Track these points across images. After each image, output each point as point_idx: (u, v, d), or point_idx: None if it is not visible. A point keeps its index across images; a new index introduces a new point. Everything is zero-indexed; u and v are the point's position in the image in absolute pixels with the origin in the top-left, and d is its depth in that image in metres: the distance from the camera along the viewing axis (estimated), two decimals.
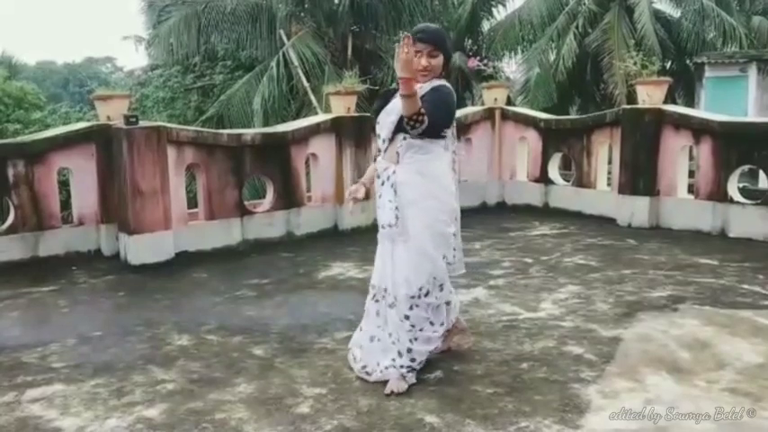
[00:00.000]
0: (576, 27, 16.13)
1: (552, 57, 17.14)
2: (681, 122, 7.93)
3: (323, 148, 8.05)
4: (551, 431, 3.22)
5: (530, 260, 6.65)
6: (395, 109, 3.61)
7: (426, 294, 3.69)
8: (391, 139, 3.69)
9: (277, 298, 5.58)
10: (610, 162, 8.83)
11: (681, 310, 5.00)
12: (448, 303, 3.90)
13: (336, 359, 4.16)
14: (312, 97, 14.15)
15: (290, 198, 7.80)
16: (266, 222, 7.60)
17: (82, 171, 6.98)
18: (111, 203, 6.95)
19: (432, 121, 3.45)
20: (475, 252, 7.02)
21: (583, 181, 8.89)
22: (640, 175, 8.07)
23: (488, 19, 19.21)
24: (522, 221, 8.63)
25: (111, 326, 4.96)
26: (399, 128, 3.60)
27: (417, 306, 3.68)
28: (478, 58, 13.55)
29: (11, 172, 6.55)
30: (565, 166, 10.52)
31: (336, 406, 3.52)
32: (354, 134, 8.18)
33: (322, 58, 15.10)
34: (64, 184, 7.27)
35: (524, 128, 9.57)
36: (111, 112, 6.96)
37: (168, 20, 15.81)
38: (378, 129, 3.79)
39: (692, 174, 8.19)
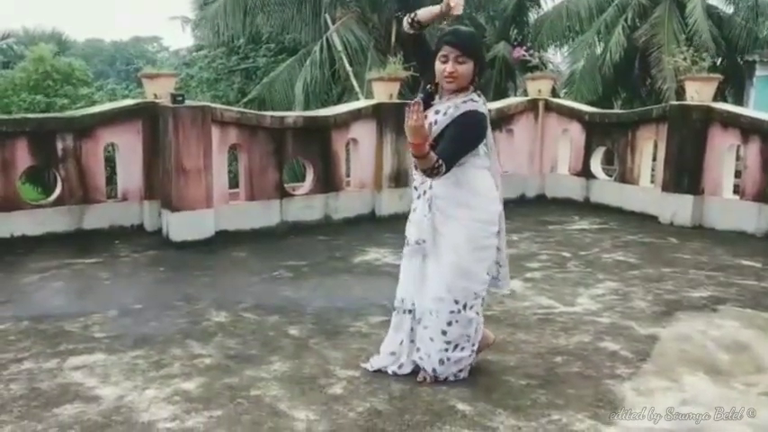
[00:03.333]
0: (625, 20, 15.81)
1: (599, 50, 16.85)
2: (729, 121, 7.75)
3: (364, 133, 8.07)
4: (584, 425, 3.21)
5: (568, 254, 6.59)
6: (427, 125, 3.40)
7: (465, 308, 3.52)
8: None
9: (313, 280, 5.63)
10: (654, 159, 8.68)
11: (721, 312, 4.92)
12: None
13: (370, 343, 4.18)
14: (354, 82, 14.17)
15: (329, 182, 7.84)
16: (305, 205, 7.66)
17: (128, 147, 7.11)
18: (155, 180, 7.07)
19: (450, 160, 3.28)
20: (513, 244, 6.97)
21: (626, 176, 8.76)
22: (685, 172, 7.92)
23: (535, 9, 18.97)
24: (562, 215, 8.55)
25: (151, 300, 5.07)
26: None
27: (457, 322, 3.51)
28: (524, 48, 13.36)
29: (59, 146, 6.71)
30: (607, 160, 10.38)
31: (369, 389, 3.55)
32: (396, 121, 8.15)
33: (365, 43, 15.10)
34: (108, 161, 7.42)
35: (568, 120, 9.45)
36: (158, 90, 7.07)
37: (215, 2, 15.96)
38: None
39: (738, 174, 8.02)
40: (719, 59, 16.17)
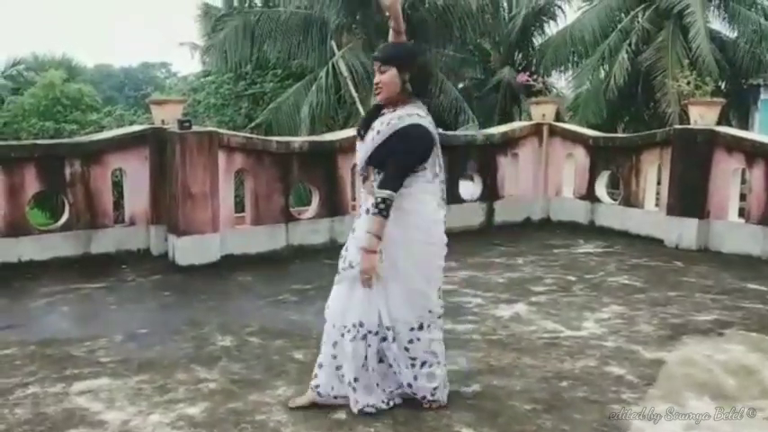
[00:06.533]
0: (629, 45, 15.92)
1: (603, 74, 16.95)
2: (733, 144, 7.77)
3: None
4: None
5: (573, 278, 6.59)
6: (366, 141, 3.46)
7: (422, 328, 3.50)
8: (369, 168, 3.50)
9: (318, 304, 5.57)
10: (659, 182, 8.69)
11: (727, 335, 4.90)
12: None
13: None
14: (360, 107, 14.28)
15: (334, 206, 7.87)
16: (311, 229, 7.69)
17: (135, 172, 7.17)
18: (162, 205, 7.12)
19: (392, 177, 3.32)
20: (517, 268, 6.99)
21: (630, 200, 8.77)
22: (690, 196, 7.92)
23: (540, 34, 19.13)
24: (567, 239, 8.55)
25: (156, 324, 5.08)
26: (371, 162, 3.46)
27: (419, 340, 3.50)
28: (528, 73, 13.47)
29: (68, 171, 6.77)
30: (612, 184, 10.39)
31: (373, 414, 3.54)
32: None
33: (371, 69, 15.21)
34: (116, 185, 7.49)
35: (572, 145, 9.49)
36: (166, 116, 7.15)
37: (223, 29, 16.17)
38: (357, 147, 3.60)
39: (743, 197, 8.02)
40: (723, 83, 16.24)
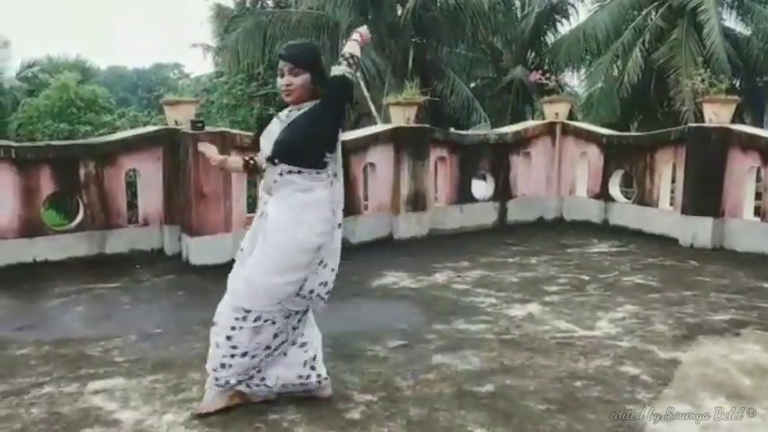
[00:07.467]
0: (643, 42, 15.84)
1: (616, 72, 16.87)
2: (748, 143, 7.71)
3: (381, 157, 8.12)
4: None
5: (587, 277, 6.55)
6: (270, 136, 3.44)
7: (253, 320, 3.42)
8: (268, 166, 3.47)
9: (330, 304, 5.58)
10: (673, 181, 8.63)
11: (743, 335, 4.85)
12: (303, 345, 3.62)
13: (388, 367, 4.18)
14: (372, 107, 14.29)
15: (347, 206, 7.77)
16: None
17: (149, 173, 7.21)
18: (175, 205, 7.16)
19: (287, 152, 3.33)
20: (531, 267, 6.96)
21: (645, 199, 8.72)
22: (705, 195, 7.87)
23: (552, 33, 19.07)
24: (581, 238, 8.51)
25: (170, 324, 5.10)
26: (271, 160, 3.42)
27: (242, 328, 3.41)
28: (540, 71, 13.42)
29: (82, 172, 6.82)
30: (625, 183, 10.34)
31: (386, 414, 3.54)
32: (413, 145, 8.22)
33: (383, 68, 15.25)
34: (129, 186, 7.53)
35: (585, 143, 9.45)
36: (179, 117, 7.18)
37: (235, 30, 16.23)
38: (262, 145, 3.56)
39: (758, 196, 7.95)
40: (738, 81, 16.12)
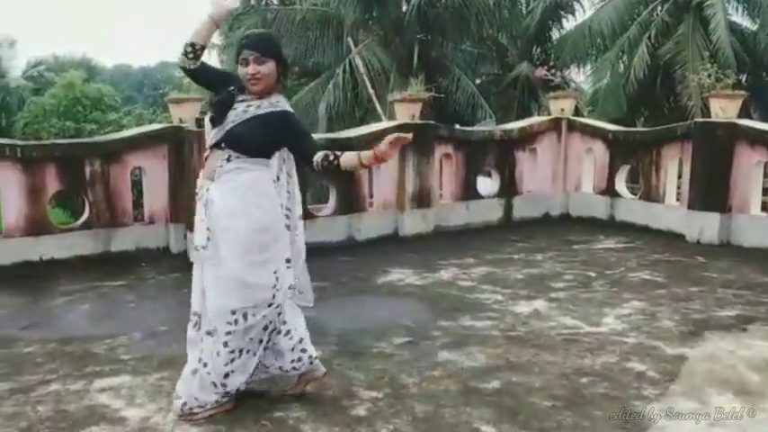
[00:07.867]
0: (648, 38, 15.75)
1: (622, 68, 16.79)
2: (755, 137, 7.66)
3: None
4: None
5: (593, 274, 6.53)
6: (226, 123, 3.39)
7: (246, 317, 3.39)
8: (213, 153, 3.45)
9: (336, 301, 5.64)
10: (679, 177, 8.59)
11: (750, 331, 4.83)
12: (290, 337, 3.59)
13: (393, 364, 4.18)
14: (377, 104, 14.27)
15: (351, 203, 7.87)
16: (328, 226, 7.69)
17: (154, 171, 7.21)
18: (181, 203, 7.16)
19: (312, 142, 3.39)
20: (536, 264, 6.95)
21: (651, 195, 8.68)
22: (711, 190, 7.83)
23: (558, 28, 18.99)
24: (587, 234, 8.48)
25: (176, 321, 5.07)
26: (218, 145, 3.40)
27: (235, 332, 3.39)
28: (546, 67, 13.38)
29: (88, 170, 6.83)
30: (631, 179, 10.30)
31: (392, 410, 3.54)
32: (418, 142, 8.19)
33: (388, 65, 15.22)
34: (135, 184, 7.55)
35: (591, 139, 9.41)
36: (184, 115, 7.18)
37: (240, 27, 16.22)
38: (207, 131, 3.52)
39: (765, 191, 7.90)
40: (744, 76, 16.02)
